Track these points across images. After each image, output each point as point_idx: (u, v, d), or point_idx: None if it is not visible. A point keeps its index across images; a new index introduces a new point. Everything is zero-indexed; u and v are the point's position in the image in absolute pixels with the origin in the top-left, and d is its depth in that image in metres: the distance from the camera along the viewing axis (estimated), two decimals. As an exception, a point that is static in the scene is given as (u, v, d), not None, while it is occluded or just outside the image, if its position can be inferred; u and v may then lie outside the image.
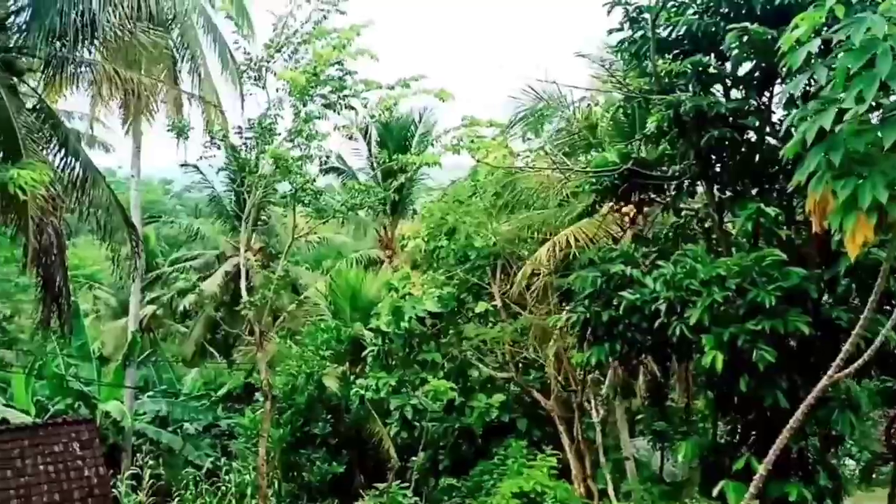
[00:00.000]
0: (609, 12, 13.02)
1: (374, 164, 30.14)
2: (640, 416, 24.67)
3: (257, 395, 23.54)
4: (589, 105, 21.67)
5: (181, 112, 23.22)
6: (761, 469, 9.97)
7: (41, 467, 19.39)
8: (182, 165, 29.73)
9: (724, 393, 12.64)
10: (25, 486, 19.16)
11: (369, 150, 30.58)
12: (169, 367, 30.64)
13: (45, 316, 15.66)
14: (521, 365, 22.05)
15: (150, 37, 16.03)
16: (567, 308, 17.86)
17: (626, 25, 13.17)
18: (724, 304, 11.31)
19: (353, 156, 30.92)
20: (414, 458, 21.50)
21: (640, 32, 12.97)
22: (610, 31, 13.56)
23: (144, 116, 23.25)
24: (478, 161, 19.22)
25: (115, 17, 15.18)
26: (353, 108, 16.46)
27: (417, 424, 21.29)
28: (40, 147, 14.80)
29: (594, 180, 14.12)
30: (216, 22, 22.79)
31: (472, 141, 17.80)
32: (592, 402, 20.50)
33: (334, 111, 16.75)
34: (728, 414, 13.69)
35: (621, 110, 15.72)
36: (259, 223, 28.63)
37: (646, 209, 16.49)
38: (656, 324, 11.69)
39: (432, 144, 18.10)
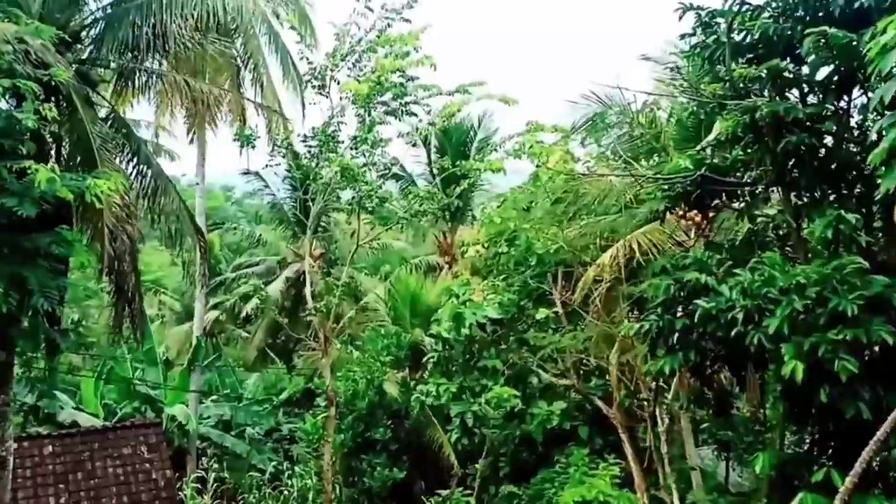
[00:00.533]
0: (681, 18, 12.84)
1: (434, 171, 30.21)
2: (704, 425, 24.25)
3: (318, 399, 23.68)
4: (651, 109, 21.42)
5: (244, 120, 23.50)
6: (847, 482, 9.71)
7: (110, 470, 19.87)
8: (244, 173, 30.39)
9: (802, 404, 12.35)
10: (95, 489, 19.64)
11: (428, 157, 30.63)
12: (231, 371, 31.03)
13: (118, 321, 15.95)
14: (582, 372, 21.86)
15: (216, 47, 16.25)
16: (633, 316, 17.73)
17: (699, 30, 12.97)
18: (803, 313, 11.04)
19: (411, 162, 31.04)
20: (475, 466, 21.46)
21: (713, 37, 12.77)
22: (682, 36, 13.37)
23: (208, 125, 23.58)
24: (538, 167, 19.12)
25: (185, 28, 15.42)
26: (414, 114, 16.50)
27: (478, 431, 21.26)
28: (114, 156, 15.10)
29: (666, 186, 13.93)
30: (278, 29, 22.97)
31: (532, 146, 17.73)
32: (657, 410, 20.21)
33: (396, 118, 16.85)
34: (804, 425, 13.38)
35: (686, 115, 15.48)
36: (319, 229, 28.93)
37: (711, 215, 16.24)
38: (733, 333, 11.46)
39: (496, 149, 18.07)
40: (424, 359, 22.73)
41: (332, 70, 16.08)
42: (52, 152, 14.68)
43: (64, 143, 15.06)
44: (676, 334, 12.10)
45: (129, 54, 15.65)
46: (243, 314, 29.49)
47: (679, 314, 12.12)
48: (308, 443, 24.00)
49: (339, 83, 15.98)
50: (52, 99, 13.67)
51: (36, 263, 13.01)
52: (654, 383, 18.95)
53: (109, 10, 15.96)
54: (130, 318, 15.73)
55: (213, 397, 28.21)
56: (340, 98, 16.19)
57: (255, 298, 27.33)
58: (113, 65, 15.86)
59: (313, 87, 16.30)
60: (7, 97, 12.46)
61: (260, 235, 31.78)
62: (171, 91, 16.54)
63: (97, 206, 12.57)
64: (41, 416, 23.41)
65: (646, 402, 19.98)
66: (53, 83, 13.19)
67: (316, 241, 30.20)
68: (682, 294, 12.15)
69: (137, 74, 16.12)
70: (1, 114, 12.46)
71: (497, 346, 21.69)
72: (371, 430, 22.89)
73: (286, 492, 23.45)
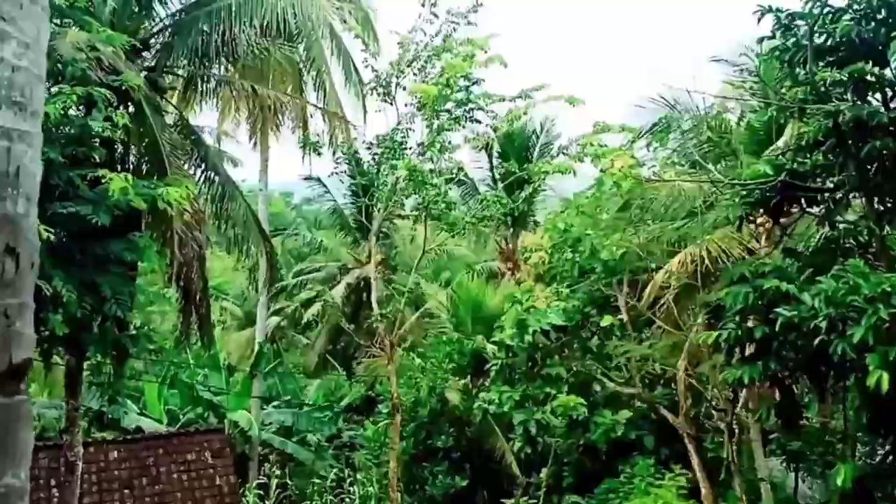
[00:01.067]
0: (759, 20, 12.49)
1: (496, 176, 30.03)
2: (773, 436, 23.61)
3: (380, 407, 23.61)
4: (718, 112, 20.95)
5: (306, 126, 23.55)
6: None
7: (175, 475, 19.98)
8: (306, 178, 30.53)
9: (886, 414, 11.90)
10: (160, 494, 19.76)
11: (490, 161, 30.45)
12: (292, 377, 31.14)
13: (185, 327, 16.06)
14: (647, 381, 21.44)
15: (282, 52, 16.29)
16: (702, 324, 17.29)
17: (778, 33, 12.60)
18: (889, 322, 10.64)
19: (472, 167, 30.86)
20: (539, 475, 21.18)
21: (793, 40, 12.39)
22: (761, 40, 13.01)
23: (272, 131, 23.66)
24: (602, 171, 18.82)
25: (253, 35, 15.49)
26: (478, 121, 16.37)
27: (541, 440, 20.97)
28: (183, 162, 15.22)
29: (744, 192, 13.54)
30: (340, 34, 23.05)
31: (596, 149, 17.48)
32: (731, 420, 19.73)
33: (459, 125, 16.74)
34: (886, 436, 12.91)
35: (761, 119, 15.06)
36: (381, 235, 28.92)
37: (782, 221, 15.78)
38: (815, 342, 11.07)
39: (564, 152, 17.82)
40: (487, 366, 22.49)
41: (397, 77, 16.01)
42: (123, 159, 14.83)
43: (133, 150, 15.21)
44: (755, 343, 11.76)
45: (198, 61, 15.76)
46: (304, 320, 29.61)
47: (759, 322, 11.75)
48: (370, 450, 23.94)
49: (405, 89, 15.90)
50: (124, 106, 13.81)
51: (108, 270, 13.14)
52: (731, 393, 18.46)
53: (178, 18, 16.12)
54: (198, 323, 15.83)
55: (275, 403, 28.32)
56: (406, 104, 16.15)
57: (318, 304, 27.36)
58: (181, 72, 15.98)
59: (378, 94, 16.26)
60: (78, 105, 12.56)
61: (321, 241, 31.90)
62: (238, 97, 16.60)
63: (168, 212, 12.63)
64: (105, 421, 23.72)
65: (713, 412, 19.51)
66: (124, 90, 13.32)
67: (377, 246, 30.21)
68: (761, 302, 11.78)
69: (205, 81, 16.22)
70: (74, 122, 12.59)
71: (561, 354, 21.36)
72: (433, 437, 22.74)
73: (348, 499, 23.39)
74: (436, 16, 15.70)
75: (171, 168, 14.14)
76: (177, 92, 17.36)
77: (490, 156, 30.03)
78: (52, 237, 10.75)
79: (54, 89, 12.04)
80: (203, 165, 16.46)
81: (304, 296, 29.55)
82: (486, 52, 15.46)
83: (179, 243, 13.88)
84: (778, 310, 11.41)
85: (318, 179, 30.54)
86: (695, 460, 19.42)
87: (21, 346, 3.09)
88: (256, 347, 26.50)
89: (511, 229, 30.35)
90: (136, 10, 15.67)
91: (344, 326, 26.79)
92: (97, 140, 12.68)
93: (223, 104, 19.75)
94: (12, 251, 3.04)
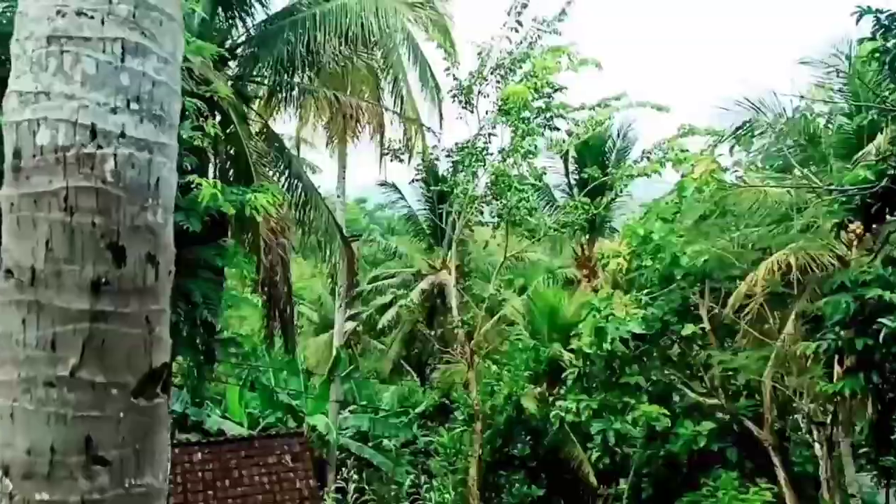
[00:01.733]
0: (858, 21, 12.07)
1: (571, 181, 29.78)
2: (862, 450, 22.83)
3: (456, 413, 23.52)
4: (803, 116, 20.34)
5: (383, 133, 23.67)
6: None
7: (256, 478, 20.17)
8: (381, 184, 30.75)
9: None
10: (242, 496, 19.97)
11: (566, 167, 30.19)
12: (368, 383, 31.30)
13: (270, 332, 16.25)
14: (730, 391, 20.91)
15: (363, 60, 16.40)
16: (790, 333, 16.79)
17: (879, 34, 12.15)
18: None
19: (549, 172, 30.64)
20: (616, 487, 20.85)
21: (894, 41, 11.94)
22: (861, 41, 12.58)
23: (351, 138, 23.83)
24: (683, 176, 18.47)
25: (337, 44, 15.62)
26: (557, 128, 16.26)
27: (619, 450, 20.63)
28: (268, 170, 15.40)
29: (844, 198, 13.10)
30: (416, 42, 23.13)
31: (677, 154, 17.17)
32: (814, 434, 19.14)
33: (539, 133, 16.68)
34: None
35: (860, 121, 14.57)
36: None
37: (874, 227, 15.22)
38: (922, 354, 10.64)
39: (647, 157, 17.56)
40: (564, 374, 22.23)
41: (479, 85, 15.99)
42: (210, 167, 15.08)
43: (219, 158, 15.44)
44: (857, 354, 11.34)
45: (282, 70, 15.95)
46: (379, 326, 29.74)
47: (860, 333, 11.33)
48: (445, 456, 23.86)
49: (487, 97, 15.89)
50: (212, 115, 14.02)
51: (197, 275, 13.34)
52: (828, 405, 17.85)
53: (263, 28, 16.35)
54: (283, 328, 15.98)
55: (351, 408, 28.46)
56: (486, 112, 16.12)
57: (393, 309, 27.47)
58: (265, 81, 16.21)
59: (459, 102, 16.27)
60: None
61: (396, 247, 32.01)
62: (320, 105, 16.76)
63: (256, 219, 12.79)
64: (189, 423, 24.12)
65: (809, 425, 18.91)
66: (213, 99, 13.52)
67: (452, 252, 30.23)
68: (863, 312, 11.36)
69: (288, 90, 16.42)
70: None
71: (640, 363, 20.98)
72: (509, 445, 22.56)
73: (425, 505, 23.40)
74: (520, 24, 15.62)
75: (257, 175, 14.33)
76: (259, 100, 17.59)
77: (566, 161, 29.77)
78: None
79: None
80: (287, 173, 16.66)
81: (379, 301, 29.69)
82: (570, 58, 15.31)
83: (265, 249, 14.04)
84: (881, 320, 11.00)
85: (394, 185, 30.72)
86: (780, 474, 18.87)
87: (160, 350, 3.16)
88: (334, 352, 26.66)
89: (587, 236, 30.01)
90: (223, 21, 15.91)
91: (421, 332, 26.85)
92: (186, 148, 12.86)
93: (304, 112, 19.96)
94: (153, 259, 3.11)
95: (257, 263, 14.49)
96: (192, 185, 12.04)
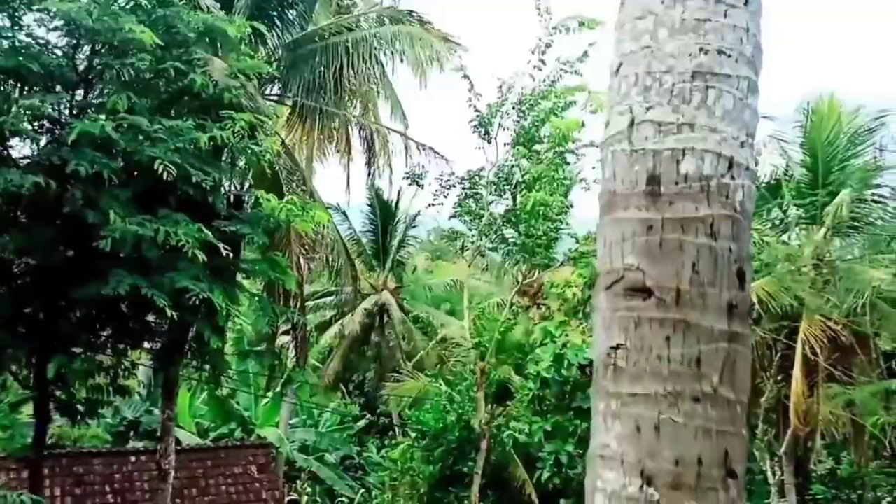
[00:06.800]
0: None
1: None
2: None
3: (407, 428, 24.13)
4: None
5: (380, 152, 23.81)
6: None
7: (223, 488, 20.32)
8: (327, 207, 31.15)
9: None
10: (209, 506, 20.04)
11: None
12: (308, 397, 31.41)
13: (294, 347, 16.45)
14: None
15: (383, 87, 17.04)
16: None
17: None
18: None
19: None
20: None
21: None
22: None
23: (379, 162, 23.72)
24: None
25: (364, 69, 16.22)
26: (568, 163, 17.36)
27: (566, 471, 21.69)
28: (296, 187, 15.80)
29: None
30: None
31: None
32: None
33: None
34: None
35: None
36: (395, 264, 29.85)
37: None
38: None
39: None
40: (517, 397, 23.19)
41: (500, 117, 16.92)
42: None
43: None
44: None
45: (306, 92, 16.38)
46: (321, 342, 29.99)
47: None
48: (391, 471, 24.36)
49: (506, 129, 16.84)
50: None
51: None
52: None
53: (294, 51, 16.75)
54: (295, 342, 16.33)
55: (293, 420, 28.54)
56: (504, 145, 17.07)
57: (336, 326, 27.84)
58: (289, 102, 16.62)
59: (479, 133, 17.12)
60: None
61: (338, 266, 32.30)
62: (351, 127, 17.29)
63: (302, 233, 13.19)
64: (140, 430, 23.80)
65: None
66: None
67: (391, 274, 31.05)
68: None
69: (313, 112, 16.83)
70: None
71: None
72: (459, 462, 23.29)
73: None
74: (544, 62, 16.64)
75: (286, 192, 14.72)
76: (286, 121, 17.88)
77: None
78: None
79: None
80: (300, 190, 17.03)
81: (318, 319, 30.04)
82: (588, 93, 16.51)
83: (297, 265, 14.42)
84: None
85: (338, 207, 31.18)
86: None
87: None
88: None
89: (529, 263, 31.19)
90: (256, 40, 16.22)
91: (360, 349, 27.30)
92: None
93: (338, 134, 19.91)
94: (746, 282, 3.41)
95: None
96: (258, 199, 12.37)
